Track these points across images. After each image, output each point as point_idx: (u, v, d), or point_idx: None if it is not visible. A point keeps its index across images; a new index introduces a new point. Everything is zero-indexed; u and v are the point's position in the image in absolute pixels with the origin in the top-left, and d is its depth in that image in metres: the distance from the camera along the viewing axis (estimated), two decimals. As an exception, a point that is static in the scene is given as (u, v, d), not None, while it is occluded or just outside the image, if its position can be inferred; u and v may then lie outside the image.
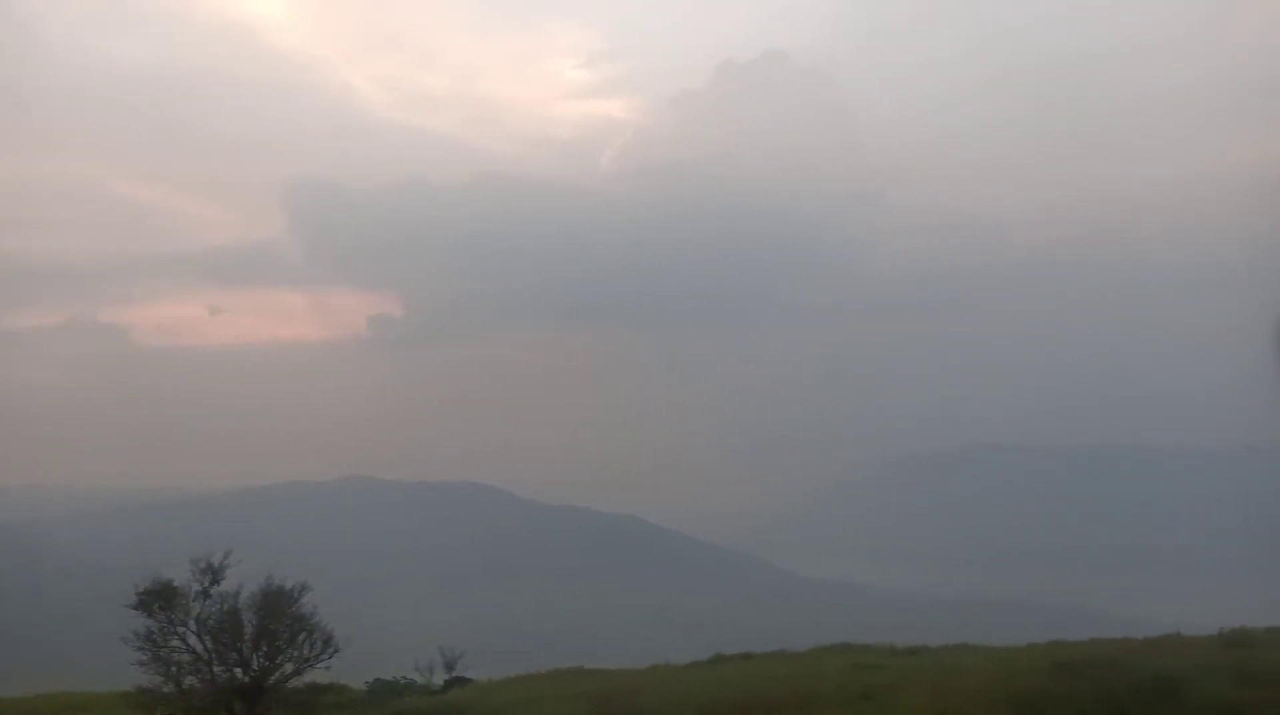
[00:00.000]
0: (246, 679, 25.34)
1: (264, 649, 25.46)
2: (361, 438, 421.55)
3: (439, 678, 37.85)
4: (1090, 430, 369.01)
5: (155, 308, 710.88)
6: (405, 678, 38.61)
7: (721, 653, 34.89)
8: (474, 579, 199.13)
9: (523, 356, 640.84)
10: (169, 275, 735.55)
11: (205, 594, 25.25)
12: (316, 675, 26.59)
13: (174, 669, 24.83)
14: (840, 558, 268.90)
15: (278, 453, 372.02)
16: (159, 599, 25.12)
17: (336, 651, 26.07)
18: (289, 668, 25.68)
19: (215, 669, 25.18)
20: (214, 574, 25.27)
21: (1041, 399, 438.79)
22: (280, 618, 25.67)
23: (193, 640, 25.15)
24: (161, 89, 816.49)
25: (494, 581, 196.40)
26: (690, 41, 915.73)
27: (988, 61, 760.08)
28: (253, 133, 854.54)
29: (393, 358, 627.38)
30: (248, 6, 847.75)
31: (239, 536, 40.97)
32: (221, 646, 25.27)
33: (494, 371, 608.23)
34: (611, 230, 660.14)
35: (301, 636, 25.69)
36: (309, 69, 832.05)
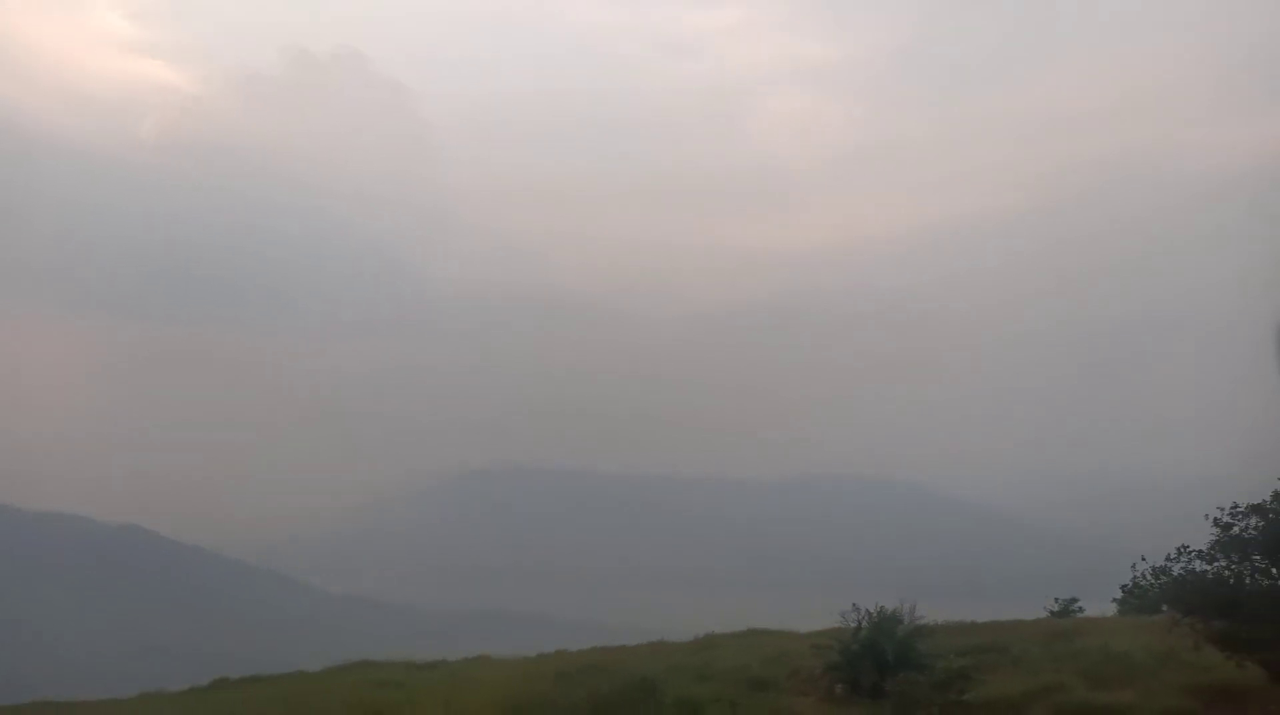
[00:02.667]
0: None
1: None
2: None
3: None
4: (624, 457, 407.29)
5: None
6: None
7: (226, 676, 32.19)
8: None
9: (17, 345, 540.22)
10: None
11: None
12: None
13: None
14: (373, 573, 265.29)
15: None
16: None
17: None
18: None
19: None
20: None
21: (575, 423, 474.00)
22: None
23: None
24: None
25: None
26: (265, 18, 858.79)
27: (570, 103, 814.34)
28: None
29: None
30: None
31: None
32: None
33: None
34: (145, 209, 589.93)
35: None
36: None
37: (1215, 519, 19.82)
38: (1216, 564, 20.04)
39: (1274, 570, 19.79)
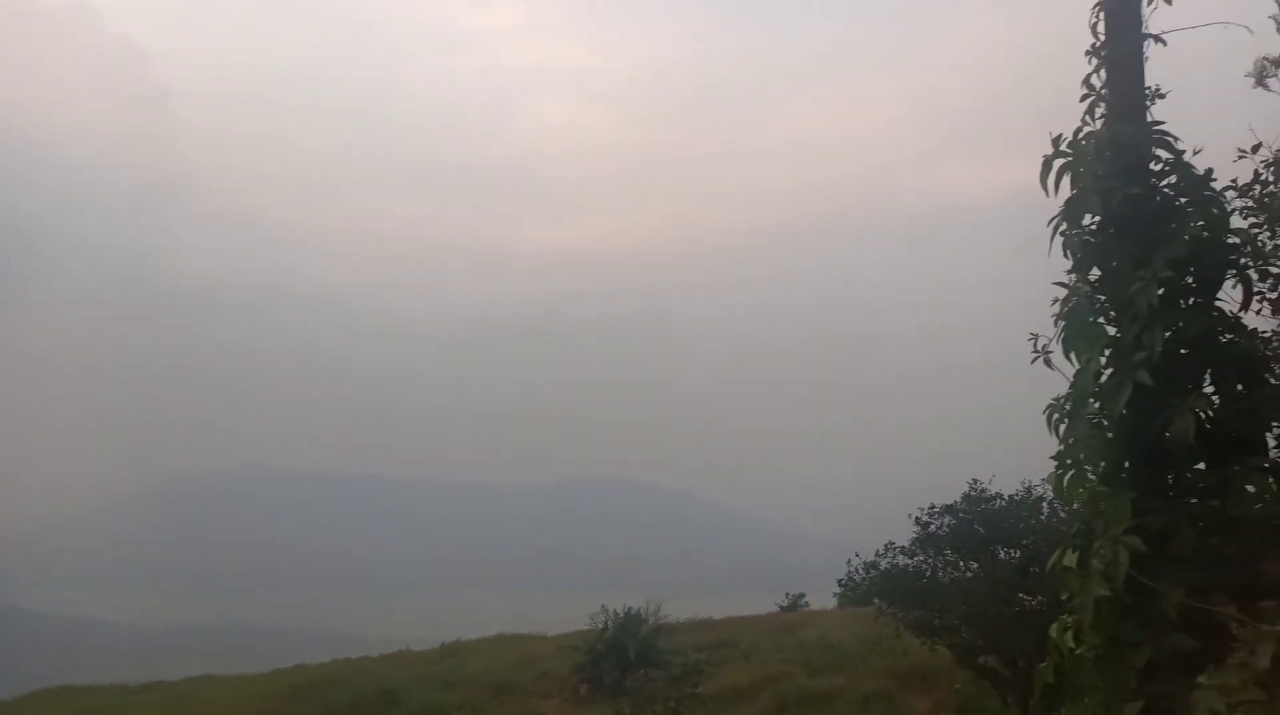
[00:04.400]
0: None
1: None
2: None
3: None
4: (371, 459, 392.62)
5: None
6: None
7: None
8: None
9: None
10: None
11: None
12: None
13: None
14: (82, 589, 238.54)
15: None
16: None
17: None
18: None
19: None
20: None
21: (321, 423, 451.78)
22: None
23: None
24: None
25: None
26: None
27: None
28: None
29: None
30: None
31: None
32: None
33: None
34: None
35: None
36: None
37: (916, 518, 22.00)
38: (916, 558, 22.24)
39: (961, 564, 22.26)
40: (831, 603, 35.26)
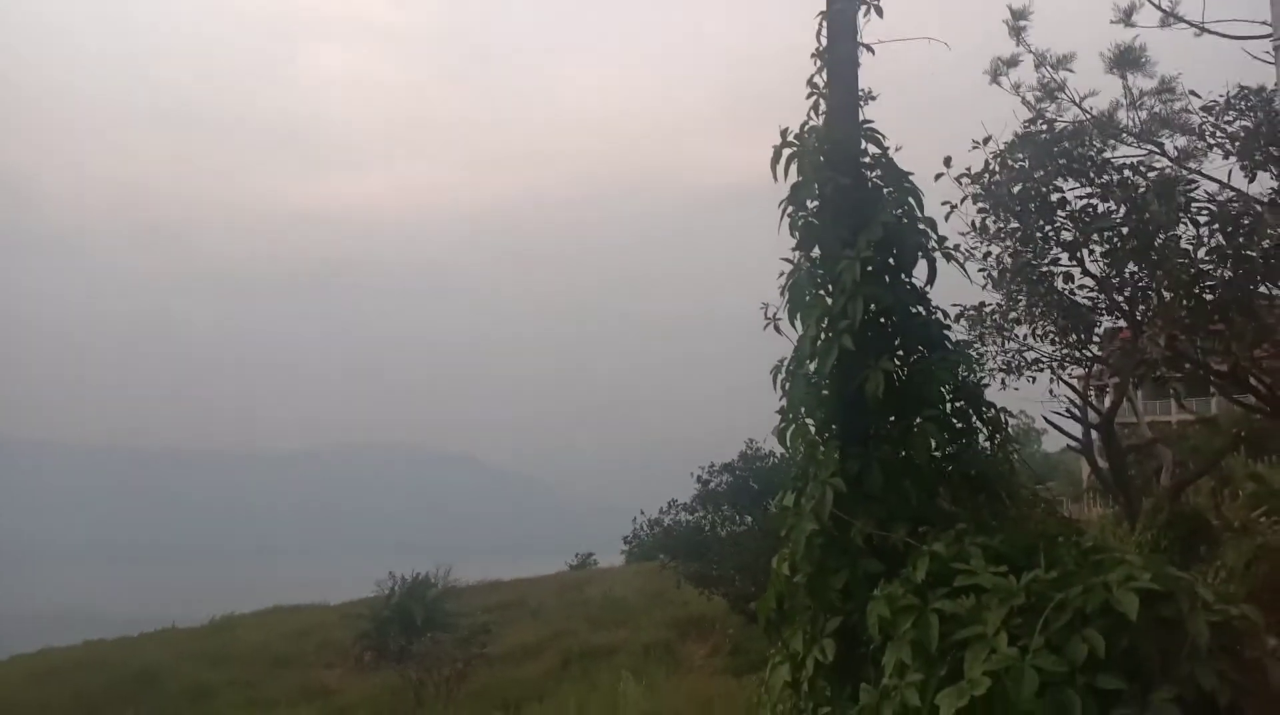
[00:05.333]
0: None
1: None
2: None
3: None
4: (117, 428, 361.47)
5: None
6: None
7: None
8: None
9: None
10: None
11: None
12: None
13: None
14: None
15: None
16: None
17: None
18: None
19: None
20: None
21: (53, 386, 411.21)
22: None
23: None
24: None
25: None
26: None
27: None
28: None
29: None
30: None
31: None
32: None
33: None
34: None
35: None
36: None
37: (697, 476, 23.26)
38: (696, 514, 23.54)
39: (737, 517, 23.78)
40: (620, 561, 36.63)
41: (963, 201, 11.26)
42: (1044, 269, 11.14)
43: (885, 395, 4.85)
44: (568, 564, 39.06)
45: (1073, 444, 14.72)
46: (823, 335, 5.04)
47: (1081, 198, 10.98)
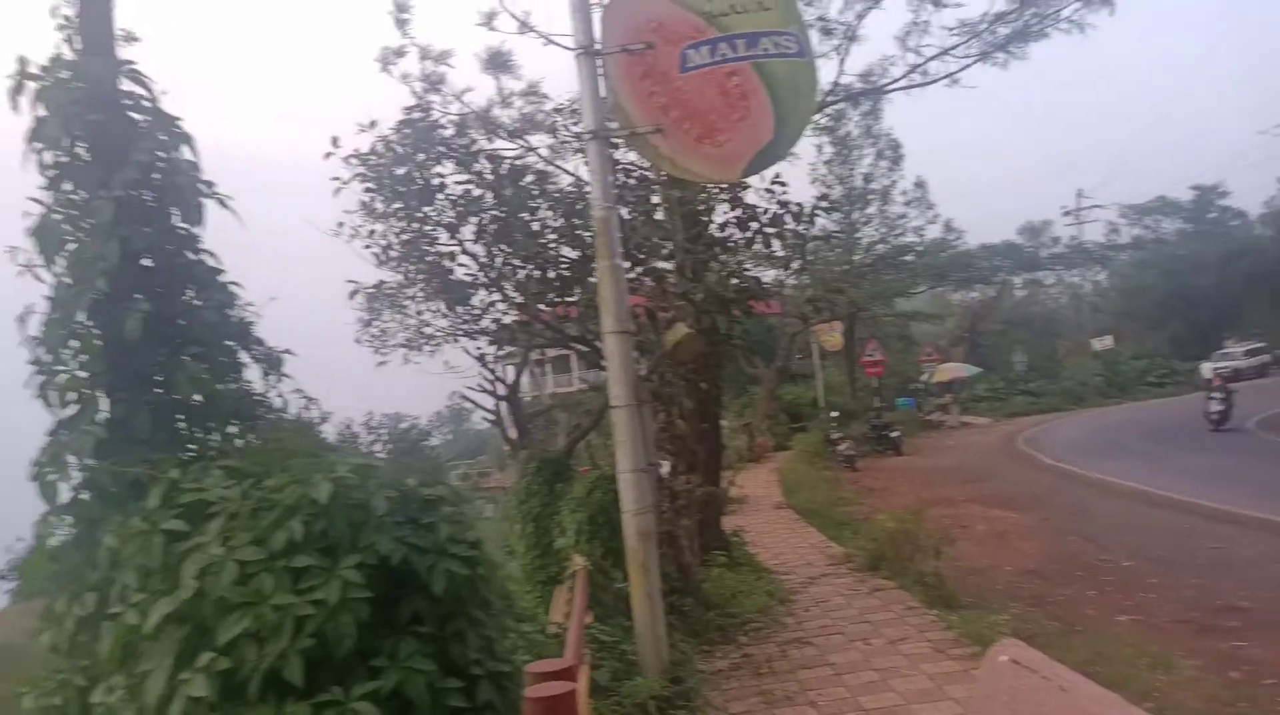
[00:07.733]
0: None
1: None
2: None
3: None
4: None
5: None
6: None
7: None
8: None
9: None
10: None
11: None
12: None
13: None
14: None
15: None
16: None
17: None
18: None
19: None
20: None
21: None
22: None
23: None
24: None
25: None
26: None
27: None
28: None
29: None
30: None
31: None
32: None
33: None
34: None
35: None
36: None
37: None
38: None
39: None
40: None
41: (349, 180, 11.68)
42: (430, 248, 12.00)
43: (149, 336, 4.79)
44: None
45: (486, 416, 16.09)
46: (81, 279, 4.82)
47: (461, 183, 12.04)
